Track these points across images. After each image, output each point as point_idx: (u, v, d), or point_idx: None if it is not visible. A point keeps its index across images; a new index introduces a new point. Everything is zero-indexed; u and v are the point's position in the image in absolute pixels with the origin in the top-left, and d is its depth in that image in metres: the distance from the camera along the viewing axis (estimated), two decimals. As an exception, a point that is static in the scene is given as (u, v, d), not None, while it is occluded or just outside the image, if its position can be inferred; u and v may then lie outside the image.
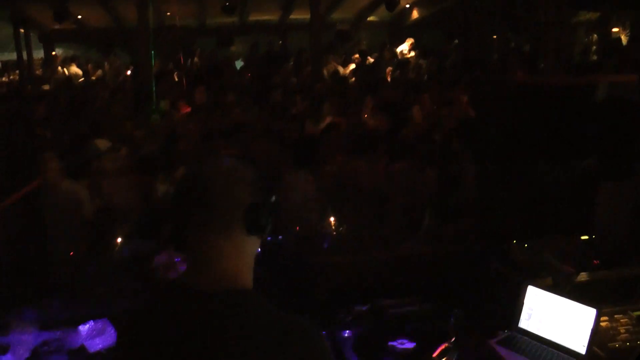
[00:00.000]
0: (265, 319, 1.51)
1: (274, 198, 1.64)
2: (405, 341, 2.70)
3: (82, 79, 12.85)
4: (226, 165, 1.62)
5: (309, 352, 1.51)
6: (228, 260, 1.57)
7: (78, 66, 13.57)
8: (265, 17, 16.04)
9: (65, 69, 13.51)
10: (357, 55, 13.08)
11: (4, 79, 14.27)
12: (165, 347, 1.50)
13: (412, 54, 13.07)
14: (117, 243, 4.14)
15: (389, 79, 10.95)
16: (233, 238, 1.57)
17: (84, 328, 2.98)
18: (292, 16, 15.59)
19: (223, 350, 1.45)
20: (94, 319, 3.02)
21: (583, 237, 3.29)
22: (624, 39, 12.55)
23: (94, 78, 12.93)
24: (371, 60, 12.10)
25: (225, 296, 1.52)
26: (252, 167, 1.63)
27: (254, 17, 15.79)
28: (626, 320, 2.83)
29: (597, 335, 2.61)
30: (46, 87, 12.68)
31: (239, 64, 13.79)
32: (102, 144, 5.24)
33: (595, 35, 13.78)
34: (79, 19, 14.35)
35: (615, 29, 13.00)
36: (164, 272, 3.43)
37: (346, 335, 2.81)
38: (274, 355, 1.46)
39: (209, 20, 15.61)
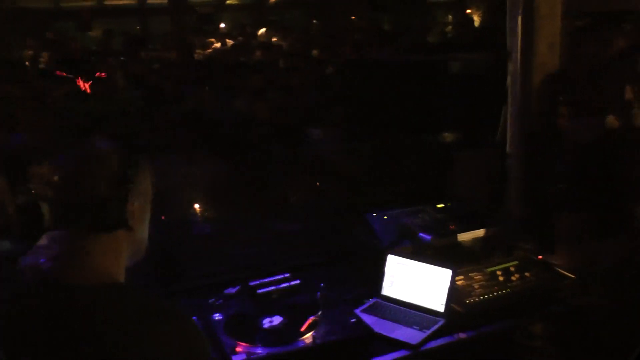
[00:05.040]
0: (137, 309, 1.49)
1: (128, 191, 1.60)
2: (274, 318, 2.73)
3: None
4: (90, 154, 1.57)
5: (183, 337, 1.50)
6: (95, 255, 1.54)
7: None
8: (124, 1, 15.51)
9: None
10: (212, 39, 12.87)
11: None
12: (32, 343, 1.44)
13: (273, 37, 13.06)
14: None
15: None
16: (100, 232, 1.55)
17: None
18: (150, 0, 15.16)
19: (94, 344, 1.41)
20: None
21: (439, 205, 3.45)
22: (476, 19, 13.19)
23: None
24: (230, 42, 11.98)
25: (94, 289, 1.48)
26: (119, 155, 1.58)
27: (111, 2, 15.22)
28: (480, 276, 3.03)
29: (454, 293, 2.77)
30: None
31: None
32: None
33: (451, 16, 14.41)
34: None
35: (468, 10, 13.66)
36: (30, 274, 3.26)
37: (217, 318, 2.81)
38: (148, 344, 1.44)
39: (64, 2, 14.87)
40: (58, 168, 1.56)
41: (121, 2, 15.42)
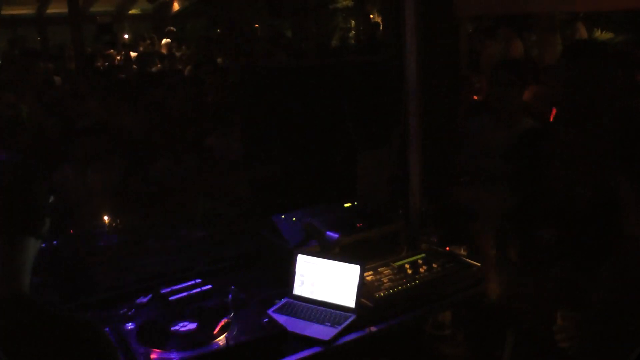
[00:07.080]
0: (43, 323, 1.46)
1: (51, 198, 1.59)
2: (187, 323, 2.73)
3: None
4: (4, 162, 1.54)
5: (92, 348, 1.49)
6: (2, 264, 1.50)
7: None
8: (21, 11, 14.95)
9: None
10: (111, 50, 12.61)
11: None
12: None
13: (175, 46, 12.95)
14: None
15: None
16: (8, 239, 1.51)
17: None
18: (49, 10, 14.71)
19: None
20: None
21: (346, 205, 3.53)
22: (376, 21, 13.51)
23: None
24: (133, 54, 11.78)
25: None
26: (34, 164, 1.57)
27: (7, 11, 14.64)
28: (388, 271, 3.11)
29: (363, 288, 2.84)
30: None
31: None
32: None
33: (353, 21, 14.70)
34: None
35: (371, 15, 13.97)
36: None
37: (129, 328, 2.78)
38: (54, 357, 1.42)
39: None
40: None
41: (19, 12, 14.86)
